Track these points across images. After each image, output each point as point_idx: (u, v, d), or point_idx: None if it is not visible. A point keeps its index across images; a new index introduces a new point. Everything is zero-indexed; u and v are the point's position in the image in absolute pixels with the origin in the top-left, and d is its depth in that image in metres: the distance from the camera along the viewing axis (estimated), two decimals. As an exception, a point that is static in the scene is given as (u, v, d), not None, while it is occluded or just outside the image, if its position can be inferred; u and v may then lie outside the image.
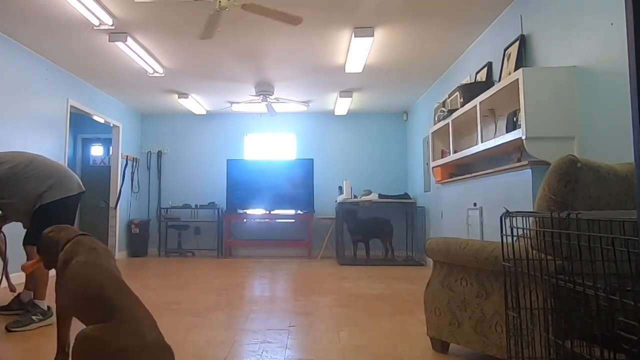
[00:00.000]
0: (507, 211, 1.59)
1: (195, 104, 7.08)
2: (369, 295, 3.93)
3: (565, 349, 1.37)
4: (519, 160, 3.37)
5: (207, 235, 7.74)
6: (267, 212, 7.54)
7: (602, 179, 1.68)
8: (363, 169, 7.84)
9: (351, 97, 6.69)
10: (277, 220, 7.74)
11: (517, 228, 1.58)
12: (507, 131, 3.32)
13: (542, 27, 3.28)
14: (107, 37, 4.40)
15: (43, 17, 4.01)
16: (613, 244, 1.12)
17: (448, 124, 4.41)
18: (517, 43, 3.54)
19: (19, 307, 3.01)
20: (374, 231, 6.78)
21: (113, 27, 4.17)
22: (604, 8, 2.58)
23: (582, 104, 2.79)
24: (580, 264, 1.30)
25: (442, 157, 4.79)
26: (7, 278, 3.12)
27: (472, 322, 1.98)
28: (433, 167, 4.98)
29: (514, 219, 1.58)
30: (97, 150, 8.28)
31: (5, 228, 3.17)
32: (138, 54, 4.82)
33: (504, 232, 1.60)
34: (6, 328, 2.64)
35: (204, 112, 7.70)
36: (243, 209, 7.60)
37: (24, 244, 2.90)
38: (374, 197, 6.88)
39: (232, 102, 7.10)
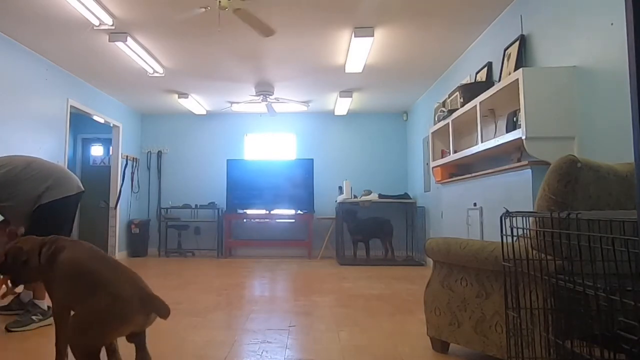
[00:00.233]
0: (507, 211, 1.59)
1: (195, 104, 7.08)
2: (369, 295, 3.93)
3: (565, 349, 1.37)
4: (519, 160, 3.37)
5: (207, 235, 7.74)
6: (267, 212, 7.54)
7: (602, 179, 1.68)
8: (363, 169, 7.84)
9: (351, 97, 6.69)
10: (277, 220, 7.74)
11: (517, 228, 1.58)
12: (507, 131, 3.32)
13: (542, 27, 3.28)
14: (107, 37, 4.40)
15: (43, 17, 4.01)
16: (613, 244, 1.12)
17: (448, 124, 4.41)
18: (517, 43, 3.54)
19: (19, 307, 3.01)
20: (374, 231, 6.78)
21: (113, 27, 4.17)
22: (604, 8, 2.58)
23: (582, 104, 2.79)
24: (580, 264, 1.30)
25: (442, 157, 4.79)
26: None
27: (472, 322, 1.98)
28: (433, 167, 4.98)
29: (514, 219, 1.58)
30: (97, 150, 8.28)
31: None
32: (138, 54, 4.82)
33: (504, 232, 1.60)
34: (6, 328, 2.64)
35: (204, 112, 7.70)
36: (243, 209, 7.60)
37: None
38: (374, 197, 6.88)
39: (232, 102, 7.10)
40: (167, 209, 7.71)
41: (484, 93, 3.52)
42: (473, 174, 3.70)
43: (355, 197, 7.07)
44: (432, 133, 4.98)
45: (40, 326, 2.74)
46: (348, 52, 4.86)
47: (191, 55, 5.05)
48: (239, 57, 5.11)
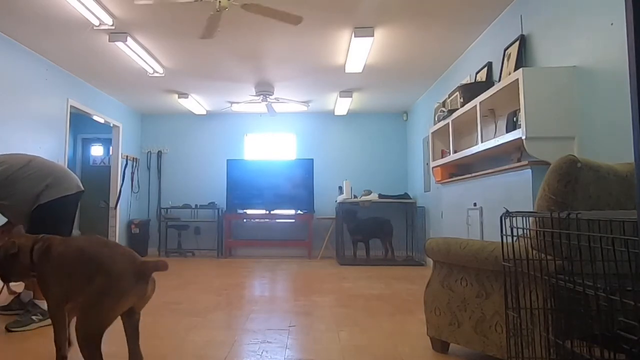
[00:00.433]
0: (507, 211, 1.59)
1: (195, 104, 7.08)
2: (369, 295, 3.93)
3: (565, 349, 1.37)
4: (519, 160, 3.37)
5: (207, 235, 7.74)
6: (267, 212, 7.54)
7: (602, 179, 1.68)
8: (363, 169, 7.84)
9: (351, 97, 6.69)
10: (277, 220, 7.74)
11: (517, 228, 1.58)
12: (507, 131, 3.32)
13: (542, 27, 3.28)
14: (107, 37, 4.40)
15: (43, 17, 4.01)
16: (613, 244, 1.12)
17: (448, 124, 4.41)
18: (517, 43, 3.54)
19: (19, 307, 3.01)
20: (374, 231, 6.78)
21: (113, 27, 4.17)
22: (604, 8, 2.58)
23: (582, 104, 2.79)
24: (580, 264, 1.30)
25: (442, 157, 4.79)
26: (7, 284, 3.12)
27: (472, 322, 1.98)
28: (433, 167, 4.98)
29: (514, 219, 1.58)
30: (97, 150, 8.29)
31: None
32: (138, 54, 4.82)
33: (504, 232, 1.60)
34: (6, 328, 2.64)
35: (204, 112, 7.70)
36: (243, 209, 7.60)
37: None
38: (374, 197, 6.88)
39: (232, 102, 7.10)
40: (167, 209, 7.71)
41: (484, 93, 3.52)
42: (473, 174, 3.70)
43: (355, 197, 7.07)
44: (432, 133, 4.98)
45: (40, 326, 2.73)
46: (348, 52, 4.86)
47: (191, 55, 5.05)
48: (239, 57, 5.11)
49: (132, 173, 7.62)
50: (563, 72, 2.89)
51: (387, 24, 4.21)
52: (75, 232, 4.70)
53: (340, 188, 7.38)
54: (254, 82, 6.06)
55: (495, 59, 4.03)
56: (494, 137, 3.56)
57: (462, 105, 4.02)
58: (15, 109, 4.61)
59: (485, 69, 4.17)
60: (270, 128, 8.00)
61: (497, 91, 3.29)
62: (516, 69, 3.35)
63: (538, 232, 1.63)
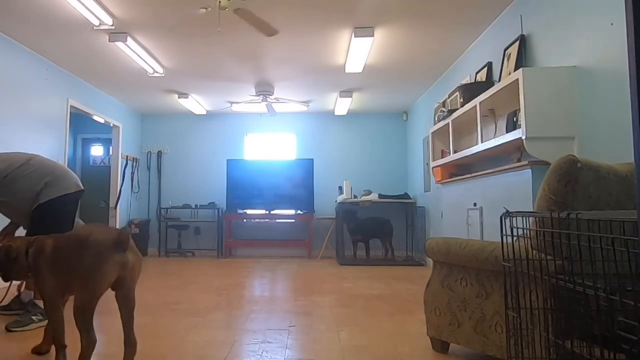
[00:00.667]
0: (507, 211, 1.59)
1: (195, 104, 7.08)
2: (369, 295, 3.93)
3: (565, 349, 1.37)
4: (519, 160, 3.37)
5: (207, 235, 7.74)
6: (267, 212, 7.54)
7: (602, 179, 1.68)
8: (363, 169, 7.84)
9: (351, 97, 6.69)
10: (277, 220, 7.74)
11: (517, 228, 1.58)
12: (507, 131, 3.32)
13: (542, 27, 3.28)
14: (107, 37, 4.40)
15: (43, 17, 4.01)
16: (613, 244, 1.12)
17: (448, 124, 4.41)
18: (517, 43, 3.54)
19: (19, 307, 3.01)
20: (374, 231, 6.78)
21: (113, 27, 4.17)
22: (604, 8, 2.58)
23: (582, 104, 2.80)
24: (580, 264, 1.30)
25: (442, 157, 4.79)
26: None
27: (472, 322, 1.98)
28: (433, 167, 4.98)
29: (514, 219, 1.58)
30: (97, 150, 8.29)
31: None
32: (138, 54, 4.82)
33: (504, 232, 1.60)
34: (6, 328, 2.64)
35: (204, 112, 7.70)
36: (243, 209, 7.60)
37: None
38: (374, 197, 6.88)
39: (232, 102, 7.10)
40: (167, 209, 7.71)
41: (484, 93, 3.52)
42: (473, 174, 3.70)
43: (355, 197, 7.07)
44: (432, 133, 4.98)
45: (40, 326, 2.73)
46: (348, 52, 4.86)
47: (191, 55, 5.05)
48: (239, 57, 5.11)
49: (132, 173, 7.62)
50: (563, 72, 2.89)
51: (387, 24, 4.21)
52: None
53: (340, 188, 7.39)
54: (254, 82, 6.06)
55: (495, 59, 4.03)
56: (494, 137, 3.56)
57: (462, 105, 4.02)
58: (15, 109, 4.61)
59: (485, 69, 4.17)
60: (270, 128, 8.00)
61: (497, 91, 3.29)
62: (516, 69, 3.35)
63: (538, 232, 1.63)
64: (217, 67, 5.46)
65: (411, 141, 7.52)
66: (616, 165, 1.80)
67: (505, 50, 3.74)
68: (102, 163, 8.18)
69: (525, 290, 1.57)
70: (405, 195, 7.10)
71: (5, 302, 2.95)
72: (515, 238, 1.59)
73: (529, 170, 2.78)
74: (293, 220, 7.70)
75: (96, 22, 4.02)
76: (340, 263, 6.47)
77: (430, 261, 5.54)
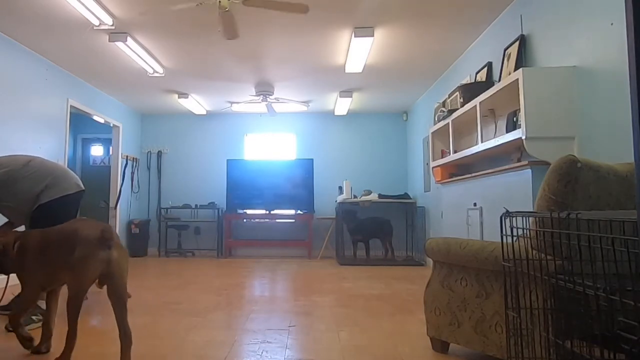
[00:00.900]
0: (507, 211, 1.59)
1: (195, 104, 7.08)
2: (369, 295, 3.93)
3: (565, 349, 1.37)
4: (519, 160, 3.37)
5: (207, 235, 7.74)
6: (267, 212, 7.54)
7: (602, 179, 1.68)
8: (363, 169, 7.84)
9: (351, 97, 6.69)
10: (277, 220, 7.74)
11: (517, 228, 1.58)
12: (507, 131, 3.32)
13: (542, 27, 3.28)
14: (107, 37, 4.40)
15: (43, 17, 4.01)
16: (613, 244, 1.12)
17: (448, 124, 4.41)
18: (517, 43, 3.54)
19: (19, 307, 3.00)
20: (374, 231, 6.78)
21: (113, 27, 4.17)
22: (604, 8, 2.58)
23: (582, 104, 2.80)
24: (580, 264, 1.30)
25: (442, 157, 4.80)
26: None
27: (472, 322, 1.98)
28: (433, 167, 4.98)
29: (514, 219, 1.58)
30: (97, 150, 8.29)
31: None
32: (138, 54, 4.82)
33: (504, 232, 1.60)
34: (6, 328, 2.63)
35: (204, 112, 7.71)
36: (243, 209, 7.60)
37: None
38: (374, 197, 6.88)
39: (232, 102, 7.10)
40: (167, 209, 7.71)
41: (484, 93, 3.52)
42: (473, 174, 3.70)
43: (355, 197, 7.07)
44: (432, 133, 4.98)
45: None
46: (348, 52, 4.86)
47: (191, 55, 5.05)
48: (239, 57, 5.11)
49: (132, 173, 7.62)
50: (563, 72, 2.89)
51: (387, 24, 4.21)
52: None
53: (340, 188, 7.39)
54: (254, 82, 6.06)
55: (495, 59, 4.03)
56: (494, 137, 3.56)
57: (462, 105, 4.02)
58: (15, 109, 4.61)
59: (485, 69, 4.17)
60: (270, 128, 8.00)
61: (497, 91, 3.29)
62: (516, 69, 3.35)
63: (538, 232, 1.63)
64: (217, 67, 5.46)
65: (411, 141, 7.52)
66: (616, 165, 1.80)
67: (505, 50, 3.74)
68: (102, 163, 8.18)
69: (525, 290, 1.57)
70: (405, 195, 7.10)
71: (4, 302, 2.95)
72: (515, 238, 1.59)
73: (529, 170, 2.78)
74: (293, 220, 7.70)
75: (96, 22, 4.02)
76: (340, 263, 6.47)
77: (430, 261, 5.54)
